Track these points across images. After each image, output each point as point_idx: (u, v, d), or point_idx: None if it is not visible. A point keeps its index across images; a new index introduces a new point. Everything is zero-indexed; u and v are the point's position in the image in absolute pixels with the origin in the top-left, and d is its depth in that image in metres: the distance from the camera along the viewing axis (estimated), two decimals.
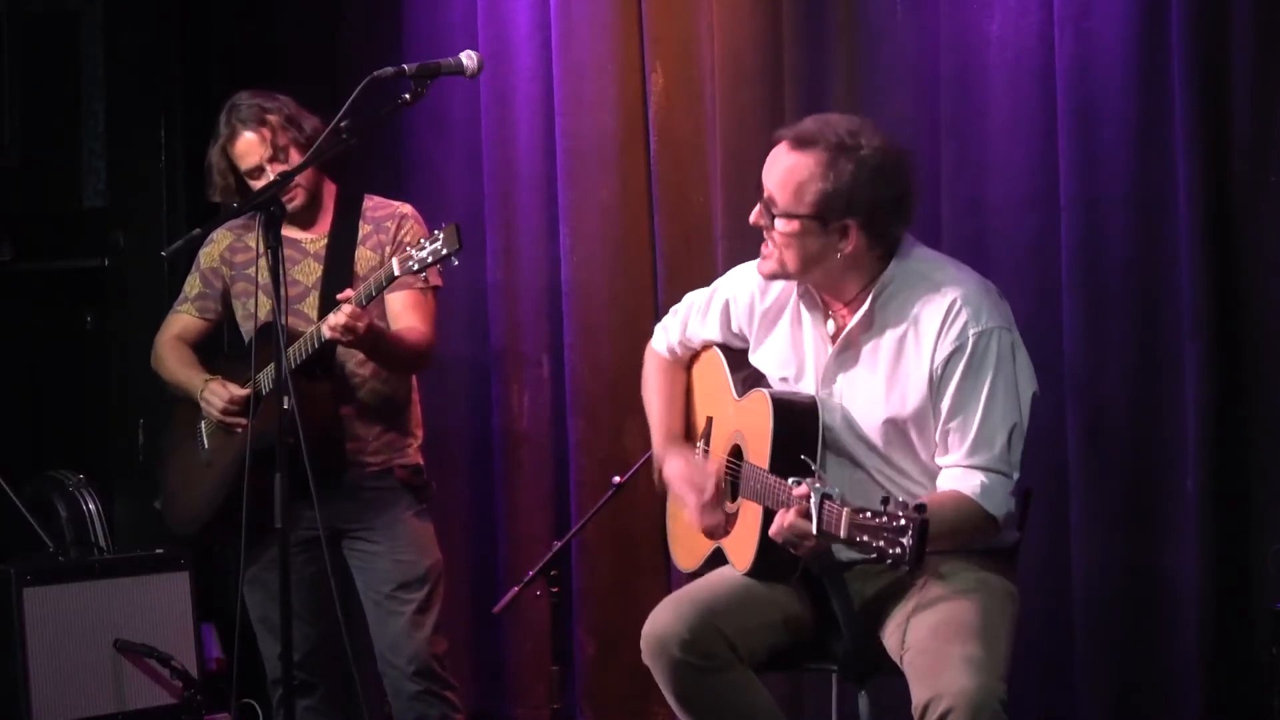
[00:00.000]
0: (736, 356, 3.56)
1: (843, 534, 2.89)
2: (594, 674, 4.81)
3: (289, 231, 4.20)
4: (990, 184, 4.17)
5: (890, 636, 3.25)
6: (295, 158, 4.10)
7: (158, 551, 4.88)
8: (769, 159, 3.29)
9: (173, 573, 4.80)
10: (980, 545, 3.30)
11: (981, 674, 3.04)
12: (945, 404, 3.20)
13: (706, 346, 3.63)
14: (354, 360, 4.16)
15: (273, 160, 4.11)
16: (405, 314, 4.12)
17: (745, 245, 4.47)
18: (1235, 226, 3.87)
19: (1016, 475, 3.22)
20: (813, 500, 2.94)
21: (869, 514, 2.85)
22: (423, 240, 3.78)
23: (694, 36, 4.66)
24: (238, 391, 4.12)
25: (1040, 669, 4.08)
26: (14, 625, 4.55)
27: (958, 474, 3.20)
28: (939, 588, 3.24)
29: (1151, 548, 3.99)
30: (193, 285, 4.37)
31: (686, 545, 3.58)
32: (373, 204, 4.25)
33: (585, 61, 4.79)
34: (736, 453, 3.43)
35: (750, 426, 3.36)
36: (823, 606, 3.35)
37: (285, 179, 3.75)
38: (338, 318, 3.89)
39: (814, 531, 2.95)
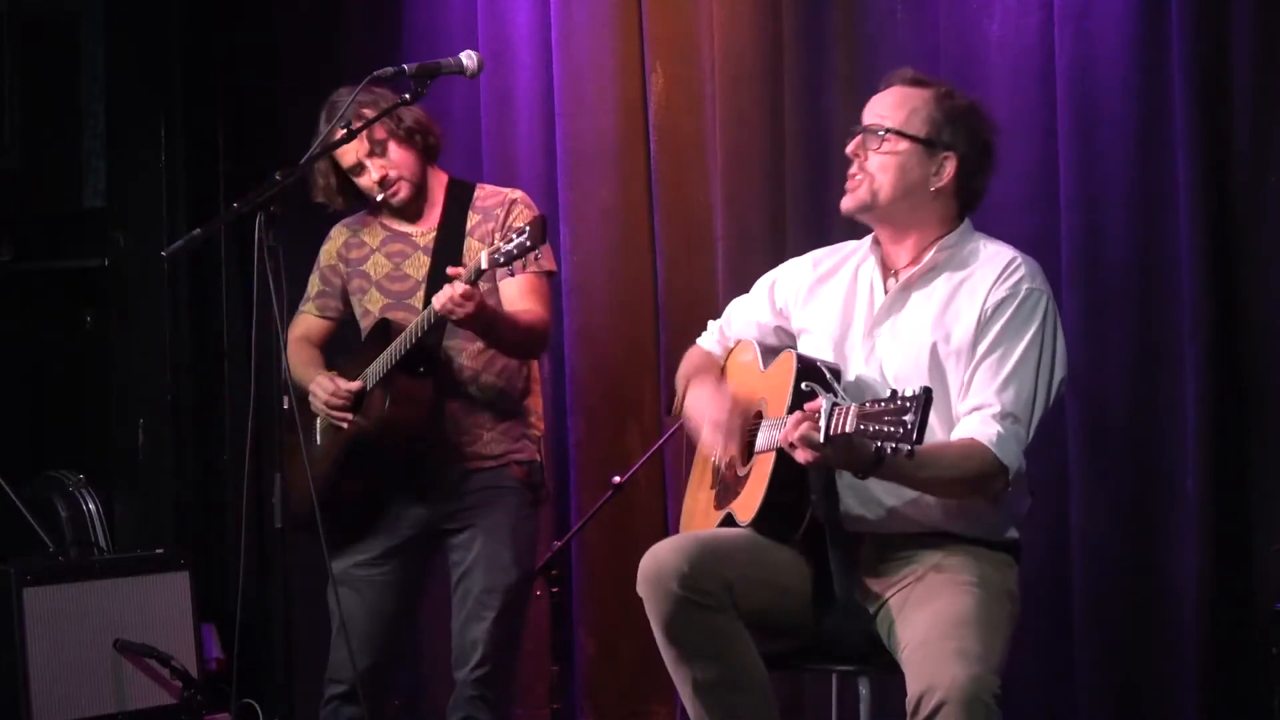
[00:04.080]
0: (768, 347, 3.56)
1: (849, 426, 2.95)
2: (594, 674, 4.81)
3: (399, 226, 4.18)
4: (990, 184, 4.17)
5: (885, 624, 3.26)
6: (394, 151, 4.06)
7: (158, 551, 4.89)
8: (877, 96, 3.46)
9: (173, 573, 4.80)
10: (978, 522, 3.30)
11: (975, 665, 3.04)
12: (985, 342, 3.28)
13: (740, 342, 3.64)
14: (464, 354, 4.11)
15: (371, 155, 4.06)
16: (520, 299, 4.06)
17: (745, 245, 4.50)
18: (1235, 226, 3.88)
19: (1030, 435, 3.25)
20: (824, 407, 3.01)
21: (878, 404, 2.93)
22: (512, 234, 3.76)
23: (694, 36, 4.66)
24: (344, 384, 4.06)
25: (1040, 669, 4.08)
26: (14, 625, 4.55)
27: (975, 420, 3.23)
28: (937, 578, 3.25)
29: (1151, 548, 3.99)
30: (313, 284, 4.30)
31: (700, 524, 3.57)
32: (484, 192, 4.19)
33: (585, 61, 4.80)
34: (759, 415, 3.43)
35: (773, 388, 3.38)
36: (821, 585, 3.34)
37: (287, 178, 3.70)
38: (446, 297, 3.83)
39: (821, 438, 3.01)
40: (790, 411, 3.20)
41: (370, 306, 4.16)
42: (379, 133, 4.04)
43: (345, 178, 4.15)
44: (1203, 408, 3.86)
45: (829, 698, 3.65)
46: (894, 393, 2.92)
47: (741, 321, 3.66)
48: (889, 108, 3.42)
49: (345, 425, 4.05)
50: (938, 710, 3.01)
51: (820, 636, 3.35)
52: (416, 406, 4.00)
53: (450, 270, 3.88)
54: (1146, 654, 4.00)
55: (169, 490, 5.64)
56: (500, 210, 4.13)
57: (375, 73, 3.61)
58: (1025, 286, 3.31)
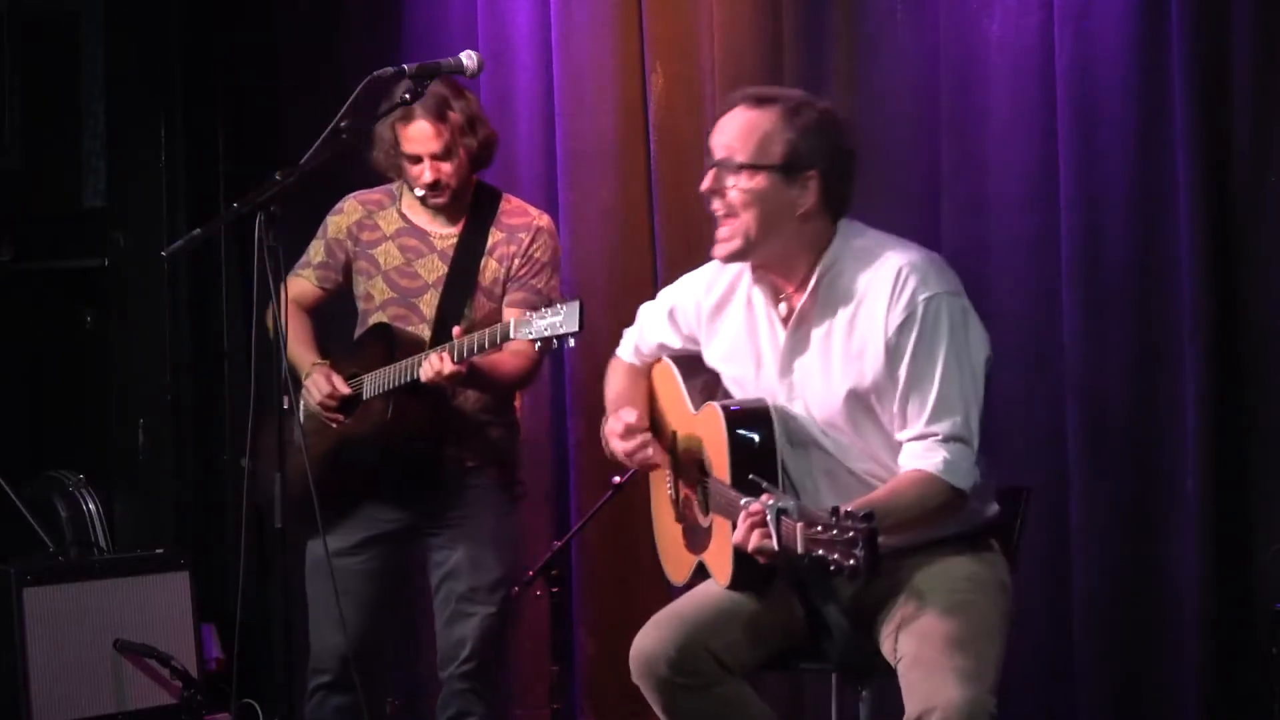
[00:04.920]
0: (689, 367, 3.54)
1: (800, 549, 2.91)
2: (594, 674, 4.81)
3: (419, 220, 4.15)
4: (990, 184, 4.17)
5: (885, 642, 3.25)
6: (462, 161, 4.03)
7: (158, 551, 4.89)
8: (722, 122, 3.31)
9: (173, 573, 4.80)
10: (953, 521, 3.26)
11: (972, 687, 3.04)
12: (902, 374, 3.19)
13: (659, 359, 3.62)
14: None
15: (437, 158, 4.02)
16: None
17: None
18: (1235, 226, 3.87)
19: (977, 442, 3.19)
20: (769, 517, 2.97)
21: (820, 527, 2.86)
22: (544, 309, 3.69)
23: (694, 36, 4.66)
24: (339, 388, 4.05)
25: (1040, 668, 4.09)
26: (14, 625, 4.55)
27: (919, 450, 3.18)
28: (930, 591, 3.23)
29: (1151, 547, 3.99)
30: (316, 252, 4.25)
31: (674, 559, 3.59)
32: (510, 208, 4.15)
33: (585, 61, 4.80)
34: (702, 467, 3.42)
35: (709, 440, 3.37)
36: (815, 610, 3.35)
37: (287, 178, 3.67)
38: (434, 371, 3.84)
39: (775, 547, 2.98)
40: (733, 480, 3.21)
41: (374, 294, 4.14)
42: (457, 141, 4.02)
43: (400, 155, 4.08)
44: (1203, 408, 3.86)
45: (829, 698, 3.65)
46: (835, 511, 2.86)
47: (652, 343, 3.61)
48: (738, 137, 3.25)
49: (333, 425, 4.05)
50: None
51: (830, 660, 3.36)
52: (417, 420, 4.01)
53: (455, 331, 3.87)
54: (1146, 654, 4.00)
55: (169, 490, 5.64)
56: (525, 234, 4.11)
57: (375, 73, 3.60)
58: (920, 299, 3.18)
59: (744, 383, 3.40)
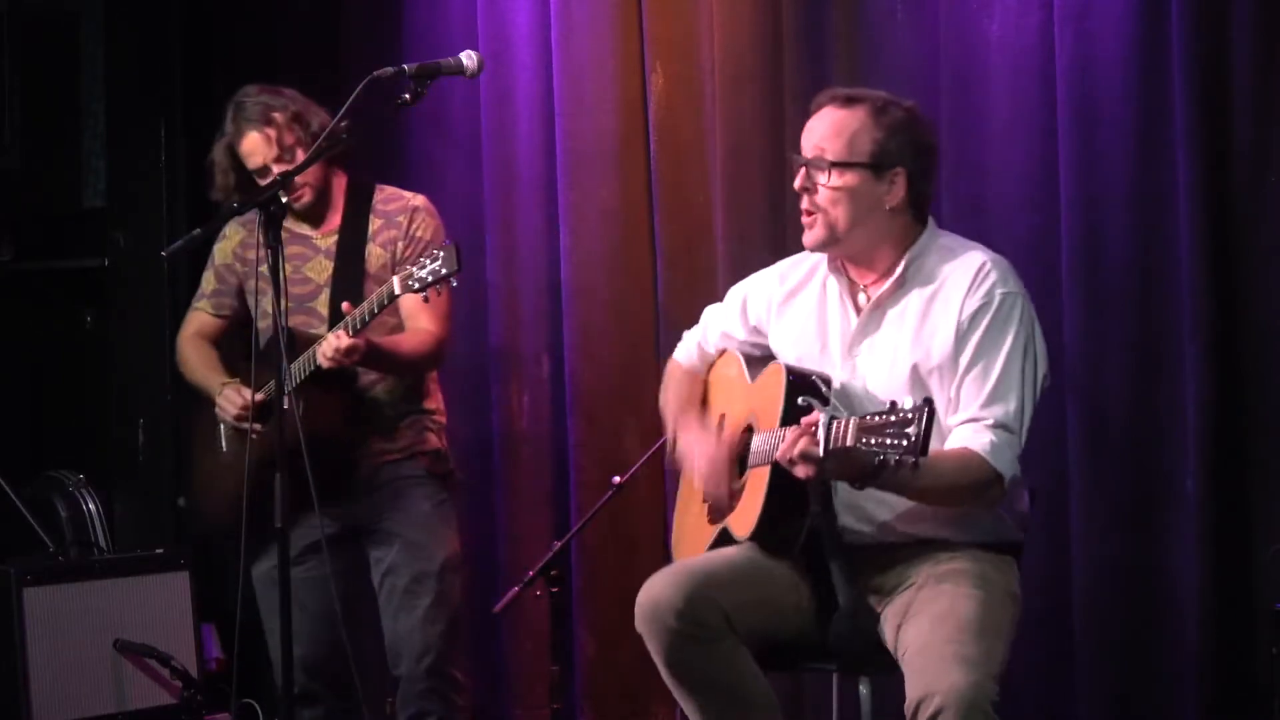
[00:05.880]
0: (753, 356, 3.57)
1: (849, 440, 2.92)
2: (594, 674, 4.81)
3: (299, 228, 4.20)
4: (990, 184, 4.17)
5: (889, 628, 3.26)
6: (301, 157, 4.08)
7: (158, 551, 4.89)
8: (812, 122, 3.39)
9: (173, 573, 4.80)
10: (984, 519, 3.29)
11: (975, 673, 3.05)
12: (966, 355, 3.26)
13: (723, 351, 3.64)
14: None
15: (278, 160, 4.09)
16: (416, 315, 4.10)
17: (745, 246, 4.50)
18: (1235, 226, 3.88)
19: (1023, 440, 3.25)
20: (821, 421, 2.99)
21: (878, 416, 2.90)
22: (423, 259, 3.77)
23: (694, 36, 4.66)
24: (249, 397, 4.08)
25: (1040, 669, 4.08)
26: (14, 625, 4.55)
27: (968, 431, 3.22)
28: (940, 581, 3.25)
29: (1151, 548, 3.99)
30: (208, 282, 4.34)
31: (691, 541, 3.58)
32: (384, 196, 4.22)
33: (585, 61, 4.80)
34: (748, 429, 3.43)
35: (762, 402, 3.38)
36: (822, 594, 3.34)
37: (286, 178, 3.73)
38: (333, 349, 3.88)
39: (820, 453, 2.99)
40: (783, 424, 3.22)
41: (270, 309, 4.15)
42: (288, 138, 4.10)
43: (244, 175, 4.16)
44: (1203, 408, 3.86)
45: (829, 698, 3.65)
46: (893, 404, 2.90)
47: (718, 335, 3.65)
48: (827, 136, 3.34)
49: (254, 436, 4.05)
50: (935, 717, 3.01)
51: (824, 645, 3.35)
52: (330, 414, 4.01)
53: (344, 307, 3.90)
54: (1146, 654, 4.00)
55: (169, 490, 5.64)
56: (402, 217, 4.16)
57: (375, 73, 3.60)
58: (999, 292, 3.28)
59: (808, 363, 3.42)
